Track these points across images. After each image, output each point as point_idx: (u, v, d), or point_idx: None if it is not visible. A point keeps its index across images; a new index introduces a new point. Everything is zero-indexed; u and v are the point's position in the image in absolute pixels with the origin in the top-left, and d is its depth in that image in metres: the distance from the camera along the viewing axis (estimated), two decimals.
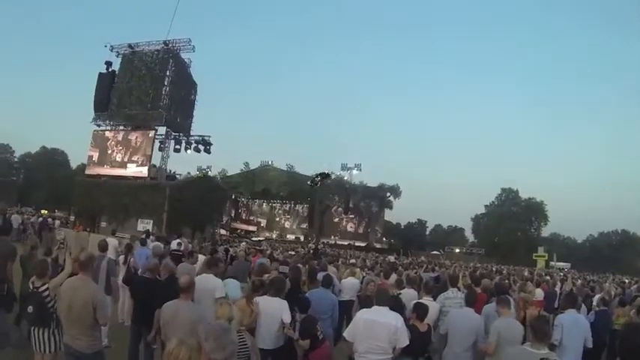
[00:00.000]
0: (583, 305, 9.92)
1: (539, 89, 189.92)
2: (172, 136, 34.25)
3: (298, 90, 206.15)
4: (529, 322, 6.31)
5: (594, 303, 11.77)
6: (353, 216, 74.89)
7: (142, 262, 10.77)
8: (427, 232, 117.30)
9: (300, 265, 11.36)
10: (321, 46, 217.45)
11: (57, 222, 33.39)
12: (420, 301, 7.24)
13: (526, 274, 23.59)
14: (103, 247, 9.85)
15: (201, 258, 11.38)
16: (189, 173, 42.75)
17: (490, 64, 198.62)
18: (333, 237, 71.12)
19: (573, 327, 7.01)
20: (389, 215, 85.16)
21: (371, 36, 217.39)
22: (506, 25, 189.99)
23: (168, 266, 8.27)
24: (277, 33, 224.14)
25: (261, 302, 6.53)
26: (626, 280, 30.76)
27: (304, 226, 74.62)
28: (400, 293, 8.81)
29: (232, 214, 72.61)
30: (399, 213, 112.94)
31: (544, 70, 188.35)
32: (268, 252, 19.82)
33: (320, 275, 9.21)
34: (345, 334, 6.19)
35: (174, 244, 16.13)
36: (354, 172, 68.28)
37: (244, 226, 71.91)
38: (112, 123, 34.07)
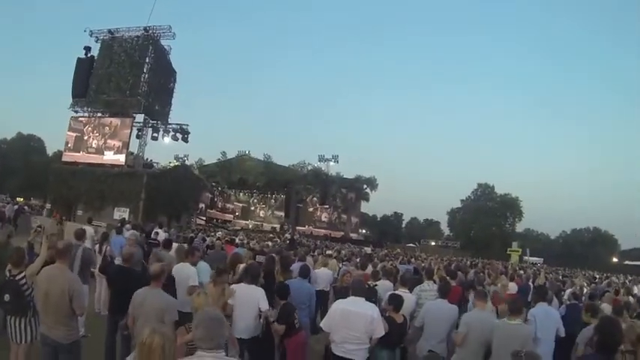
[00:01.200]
0: (555, 299, 10.12)
1: (517, 88, 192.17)
2: (150, 124, 33.98)
3: (277, 81, 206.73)
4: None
5: (565, 297, 12.01)
6: (328, 207, 74.85)
7: (117, 250, 10.76)
8: (403, 225, 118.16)
9: (274, 255, 11.39)
10: (301, 39, 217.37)
11: (45, 210, 33.19)
12: (395, 292, 7.31)
13: (500, 267, 23.85)
14: (80, 235, 9.73)
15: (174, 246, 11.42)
16: (169, 163, 42.28)
17: (468, 62, 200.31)
18: (308, 227, 71.21)
19: (545, 319, 7.16)
20: (365, 207, 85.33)
21: (350, 31, 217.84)
22: (484, 23, 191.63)
23: (157, 256, 8.29)
24: (258, 25, 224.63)
25: (238, 290, 6.53)
26: (597, 276, 31.27)
27: (280, 215, 74.53)
28: (376, 284, 8.89)
29: (209, 203, 72.32)
30: (375, 205, 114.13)
31: (522, 69, 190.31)
32: (245, 242, 19.74)
33: (297, 265, 9.27)
34: (321, 324, 6.21)
35: (160, 234, 16.12)
36: (331, 163, 68.35)
37: (220, 215, 71.72)
38: (90, 109, 33.67)
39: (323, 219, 75.75)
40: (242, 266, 8.54)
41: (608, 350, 3.99)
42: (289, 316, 6.44)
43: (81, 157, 32.72)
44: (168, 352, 3.17)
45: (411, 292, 8.14)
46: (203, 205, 63.75)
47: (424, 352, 6.83)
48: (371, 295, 6.96)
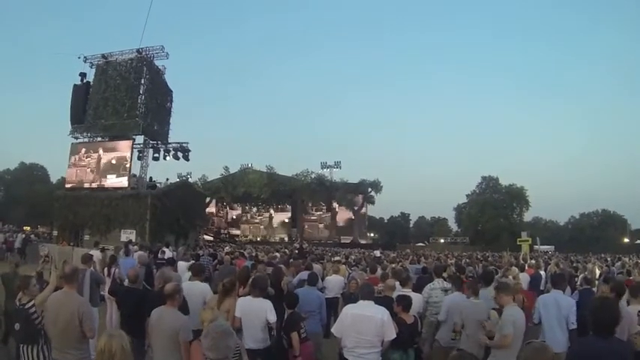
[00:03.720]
0: (567, 286, 10.07)
1: (516, 76, 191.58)
2: (150, 145, 34.18)
3: (275, 91, 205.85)
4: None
5: (578, 282, 11.96)
6: (335, 213, 74.94)
7: (126, 272, 10.81)
8: (411, 225, 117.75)
9: (282, 266, 11.43)
10: (296, 47, 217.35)
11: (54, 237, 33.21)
12: (403, 293, 7.28)
13: (512, 259, 23.79)
14: (86, 259, 9.80)
15: (181, 265, 11.46)
16: (167, 179, 42.16)
17: (465, 53, 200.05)
18: (316, 235, 71.30)
19: (552, 307, 7.06)
20: (372, 210, 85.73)
21: (346, 32, 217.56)
22: (479, 13, 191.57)
23: (164, 275, 8.30)
24: (251, 36, 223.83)
25: (245, 303, 6.57)
26: (609, 259, 31.12)
27: (287, 225, 74.60)
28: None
29: (215, 219, 72.42)
30: (381, 207, 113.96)
31: (521, 57, 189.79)
32: (253, 254, 19.79)
33: (305, 274, 9.29)
34: (332, 329, 6.24)
35: (167, 253, 16.17)
36: (335, 169, 68.63)
37: (228, 230, 71.78)
38: (89, 135, 33.78)
39: (330, 226, 75.74)
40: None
41: (605, 331, 3.97)
42: (295, 326, 6.45)
43: (84, 182, 32.83)
44: (127, 350, 3.42)
45: (414, 292, 8.15)
46: (210, 222, 63.87)
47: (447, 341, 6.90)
48: (384, 300, 6.90)
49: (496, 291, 6.63)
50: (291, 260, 15.24)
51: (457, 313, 6.96)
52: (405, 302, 6.58)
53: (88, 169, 32.81)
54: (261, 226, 78.86)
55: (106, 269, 11.54)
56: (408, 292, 7.73)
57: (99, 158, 32.47)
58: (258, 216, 79.44)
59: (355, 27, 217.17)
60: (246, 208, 78.20)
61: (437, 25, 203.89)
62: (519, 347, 5.80)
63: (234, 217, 79.55)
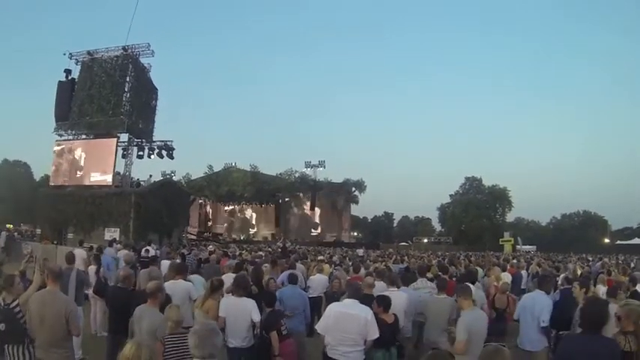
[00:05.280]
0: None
1: (498, 78, 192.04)
2: (135, 143, 34.09)
3: (260, 90, 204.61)
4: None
5: (559, 282, 12.16)
6: (318, 212, 74.95)
7: (105, 268, 10.86)
8: (394, 224, 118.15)
9: (267, 265, 11.50)
10: (282, 47, 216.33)
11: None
12: (382, 293, 7.30)
13: (493, 259, 24.02)
14: (70, 258, 9.75)
15: (164, 263, 11.46)
16: (150, 176, 41.88)
17: (448, 55, 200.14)
18: (299, 234, 71.25)
19: (529, 306, 7.27)
20: (355, 210, 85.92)
21: (331, 34, 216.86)
22: (462, 13, 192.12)
23: (151, 274, 8.35)
24: (239, 36, 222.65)
25: (228, 303, 6.65)
26: (590, 259, 31.58)
27: (271, 224, 74.46)
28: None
29: (199, 218, 72.10)
30: (365, 207, 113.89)
31: (502, 58, 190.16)
32: (237, 253, 19.80)
33: (285, 274, 9.37)
34: (317, 327, 6.28)
35: (151, 251, 16.15)
36: (319, 169, 68.63)
37: (212, 229, 71.48)
38: (73, 132, 33.63)
39: (314, 225, 75.77)
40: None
41: (593, 329, 4.10)
42: (275, 324, 6.52)
43: (68, 180, 32.70)
44: None
45: (399, 289, 8.07)
46: (193, 220, 63.63)
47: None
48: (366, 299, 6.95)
49: (456, 294, 6.57)
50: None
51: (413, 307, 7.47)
52: (385, 303, 6.61)
53: (72, 167, 32.63)
54: (245, 225, 78.63)
55: (92, 268, 11.51)
56: (394, 290, 7.71)
57: (83, 156, 32.30)
58: (242, 215, 79.22)
59: (351, 27, 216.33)
60: (230, 206, 77.84)
61: (417, 28, 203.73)
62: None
63: (218, 215, 79.27)
